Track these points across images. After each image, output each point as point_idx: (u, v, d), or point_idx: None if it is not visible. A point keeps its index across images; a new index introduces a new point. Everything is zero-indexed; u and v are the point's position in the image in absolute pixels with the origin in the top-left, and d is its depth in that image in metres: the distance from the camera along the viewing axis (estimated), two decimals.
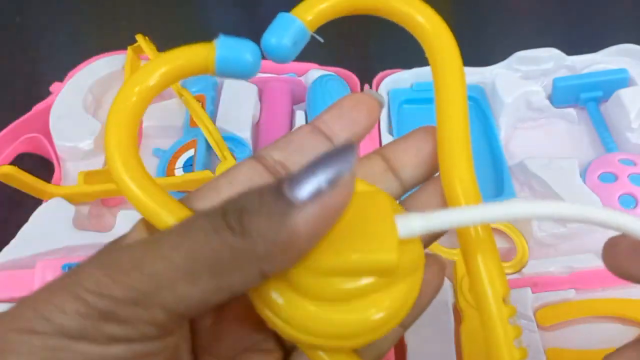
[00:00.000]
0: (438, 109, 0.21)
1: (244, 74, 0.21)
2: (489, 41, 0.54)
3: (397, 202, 0.21)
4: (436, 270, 0.20)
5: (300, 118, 0.44)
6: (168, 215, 0.18)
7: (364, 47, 0.53)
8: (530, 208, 0.18)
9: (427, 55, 0.21)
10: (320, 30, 0.22)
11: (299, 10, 0.21)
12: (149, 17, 0.56)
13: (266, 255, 0.15)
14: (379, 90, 0.46)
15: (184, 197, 0.20)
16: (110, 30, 0.56)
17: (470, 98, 0.44)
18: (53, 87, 0.45)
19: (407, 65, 0.46)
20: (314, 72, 0.46)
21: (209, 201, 0.19)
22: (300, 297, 0.17)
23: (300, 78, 0.47)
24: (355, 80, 0.46)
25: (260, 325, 0.19)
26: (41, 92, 0.45)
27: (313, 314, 0.17)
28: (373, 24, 0.37)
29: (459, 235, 0.20)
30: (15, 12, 0.55)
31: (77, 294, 0.15)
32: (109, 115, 0.19)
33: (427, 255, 0.19)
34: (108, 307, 0.15)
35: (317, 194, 0.15)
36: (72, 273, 0.16)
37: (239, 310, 0.20)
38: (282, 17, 0.21)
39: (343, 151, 0.16)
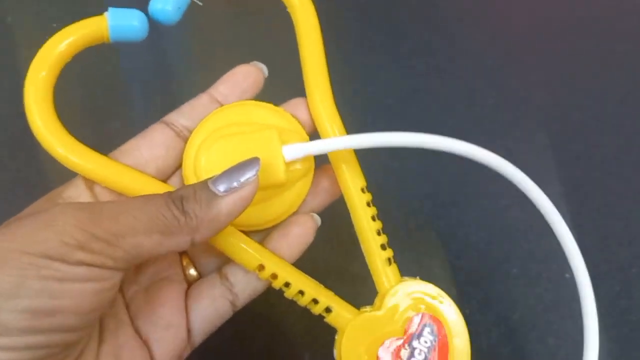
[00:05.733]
0: (302, 62, 0.27)
1: (134, 38, 0.26)
2: None
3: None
4: (309, 227, 0.27)
5: None
6: (81, 160, 0.25)
7: None
8: (382, 137, 0.25)
9: (292, 18, 0.27)
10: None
11: None
12: None
13: (197, 227, 0.22)
14: None
15: (111, 153, 0.26)
16: None
17: None
18: None
19: None
20: None
21: (132, 158, 0.26)
22: None
23: None
24: None
25: (173, 263, 0.27)
26: None
27: None
28: None
29: (330, 154, 0.27)
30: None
31: (62, 228, 0.20)
32: (26, 84, 0.24)
33: (306, 215, 0.27)
34: (85, 239, 0.20)
35: (232, 189, 0.23)
36: (49, 214, 0.21)
37: None
38: None
39: (250, 163, 0.23)
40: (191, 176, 0.26)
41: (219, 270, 0.28)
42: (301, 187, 0.27)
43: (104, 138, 0.26)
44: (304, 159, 0.26)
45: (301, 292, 0.26)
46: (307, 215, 0.28)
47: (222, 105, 0.27)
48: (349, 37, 0.42)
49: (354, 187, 0.27)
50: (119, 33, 0.26)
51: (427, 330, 0.26)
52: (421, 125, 0.40)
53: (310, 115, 0.27)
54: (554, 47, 0.42)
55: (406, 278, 0.27)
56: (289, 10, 0.27)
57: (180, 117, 0.27)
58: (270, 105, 0.27)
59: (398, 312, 0.26)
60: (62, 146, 0.25)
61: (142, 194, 0.25)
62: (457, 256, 0.35)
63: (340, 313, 0.26)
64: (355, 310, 0.27)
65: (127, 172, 0.26)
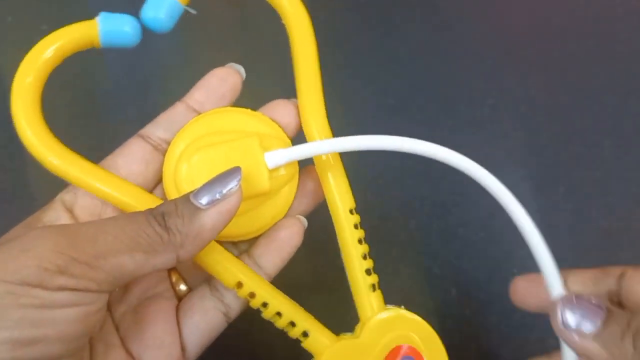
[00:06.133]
0: (295, 68, 0.26)
1: (125, 44, 0.25)
2: None
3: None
4: (296, 230, 0.26)
5: None
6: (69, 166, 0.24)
7: None
8: (366, 140, 0.24)
9: (285, 25, 0.26)
10: None
11: None
12: None
13: (182, 243, 0.21)
14: None
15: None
16: None
17: None
18: None
19: None
20: None
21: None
22: None
23: None
24: None
25: (161, 279, 0.26)
26: None
27: None
28: None
29: (315, 160, 0.26)
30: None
31: (39, 253, 0.19)
32: (12, 90, 0.24)
33: (292, 218, 0.27)
34: (65, 263, 0.19)
35: (215, 202, 0.22)
36: (26, 239, 0.20)
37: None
38: None
39: (232, 173, 0.22)
40: (172, 189, 0.25)
41: (208, 281, 0.27)
42: (287, 193, 0.26)
43: (84, 149, 0.25)
44: (288, 164, 0.25)
45: (279, 314, 0.25)
46: (293, 218, 0.27)
47: (199, 113, 0.26)
48: (349, 37, 0.42)
49: (342, 209, 0.26)
50: (111, 38, 0.25)
51: None
52: (421, 125, 0.40)
53: (295, 117, 0.27)
54: (554, 47, 0.42)
55: (390, 307, 0.26)
56: (282, 19, 0.27)
57: (156, 129, 0.26)
58: (249, 111, 0.26)
59: (378, 342, 0.25)
60: (54, 156, 0.24)
61: (138, 203, 0.25)
62: (457, 256, 0.35)
63: (317, 338, 0.25)
64: (334, 337, 0.26)
65: (124, 181, 0.25)
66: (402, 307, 0.26)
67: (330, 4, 0.43)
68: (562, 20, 0.42)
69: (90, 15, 0.25)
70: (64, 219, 0.25)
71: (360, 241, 0.26)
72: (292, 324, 0.25)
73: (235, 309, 0.26)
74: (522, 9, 0.43)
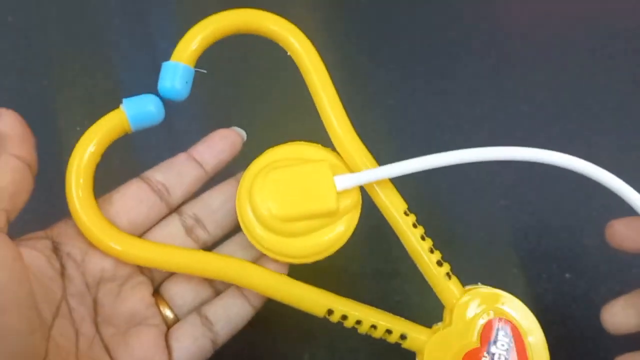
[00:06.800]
0: (317, 105, 0.28)
1: (153, 123, 0.26)
2: None
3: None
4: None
5: None
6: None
7: None
8: (422, 161, 0.26)
9: (296, 62, 0.28)
10: None
11: (176, 55, 0.26)
12: None
13: None
14: None
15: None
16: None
17: None
18: None
19: None
20: None
21: (103, 211, 0.27)
22: (275, 235, 0.26)
23: None
24: None
25: (149, 306, 0.27)
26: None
27: (282, 244, 0.26)
28: None
29: (366, 185, 0.27)
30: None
31: None
32: (68, 196, 0.26)
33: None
34: None
35: None
36: None
37: (136, 296, 0.27)
38: (166, 66, 0.26)
39: None
40: (244, 203, 0.27)
41: (197, 310, 0.28)
42: (350, 219, 0.27)
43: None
44: (352, 193, 0.27)
45: (374, 327, 0.27)
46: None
47: (198, 163, 0.28)
48: (349, 38, 0.42)
49: (397, 212, 0.27)
50: (139, 121, 0.26)
51: (501, 333, 0.27)
52: (421, 125, 0.40)
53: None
54: (554, 47, 0.42)
55: (469, 287, 0.28)
56: (291, 55, 0.28)
57: (157, 173, 0.28)
58: (318, 145, 0.28)
59: (470, 323, 0.27)
60: (118, 243, 0.26)
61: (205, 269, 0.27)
62: (457, 256, 0.35)
63: (414, 337, 0.27)
64: (428, 330, 0.27)
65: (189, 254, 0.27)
66: (479, 284, 0.28)
67: (331, 4, 0.43)
68: (564, 19, 0.42)
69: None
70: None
71: (422, 237, 0.27)
72: (389, 332, 0.27)
73: (223, 336, 0.28)
74: (522, 8, 0.43)
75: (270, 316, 0.36)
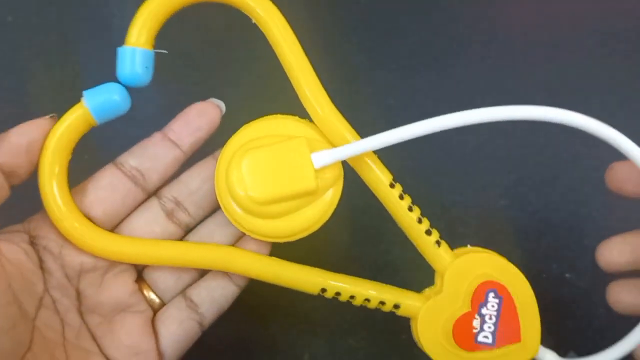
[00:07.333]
0: (291, 77, 0.26)
1: (119, 112, 0.24)
2: None
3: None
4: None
5: None
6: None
7: None
8: (398, 132, 0.25)
9: (264, 31, 0.26)
10: None
11: (129, 39, 0.24)
12: None
13: None
14: None
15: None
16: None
17: None
18: None
19: None
20: None
21: (77, 202, 0.26)
22: (254, 217, 0.26)
23: None
24: None
25: (133, 293, 0.27)
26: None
27: (263, 225, 0.26)
28: None
29: (349, 158, 0.27)
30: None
31: None
32: (41, 188, 0.25)
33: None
34: None
35: None
36: None
37: (119, 284, 0.27)
38: (122, 52, 0.24)
39: None
40: (223, 191, 0.26)
41: (182, 293, 0.28)
42: (332, 195, 0.27)
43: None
44: (333, 167, 0.26)
45: (367, 300, 0.27)
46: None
47: (174, 143, 0.27)
48: (349, 38, 0.42)
49: (382, 184, 0.27)
50: (103, 113, 0.24)
51: (490, 295, 0.27)
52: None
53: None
54: (555, 47, 0.42)
55: (458, 251, 0.28)
56: (256, 22, 0.26)
57: (130, 157, 0.27)
58: (296, 117, 0.27)
59: (460, 287, 0.27)
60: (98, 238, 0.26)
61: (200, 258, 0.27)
62: None
63: (408, 305, 0.27)
64: (420, 296, 0.28)
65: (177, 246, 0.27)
66: (468, 245, 0.28)
67: (330, 3, 0.43)
68: (564, 19, 0.42)
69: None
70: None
71: (410, 208, 0.27)
72: (382, 303, 0.27)
73: (208, 317, 0.28)
74: (522, 8, 0.43)
75: (271, 316, 0.36)
